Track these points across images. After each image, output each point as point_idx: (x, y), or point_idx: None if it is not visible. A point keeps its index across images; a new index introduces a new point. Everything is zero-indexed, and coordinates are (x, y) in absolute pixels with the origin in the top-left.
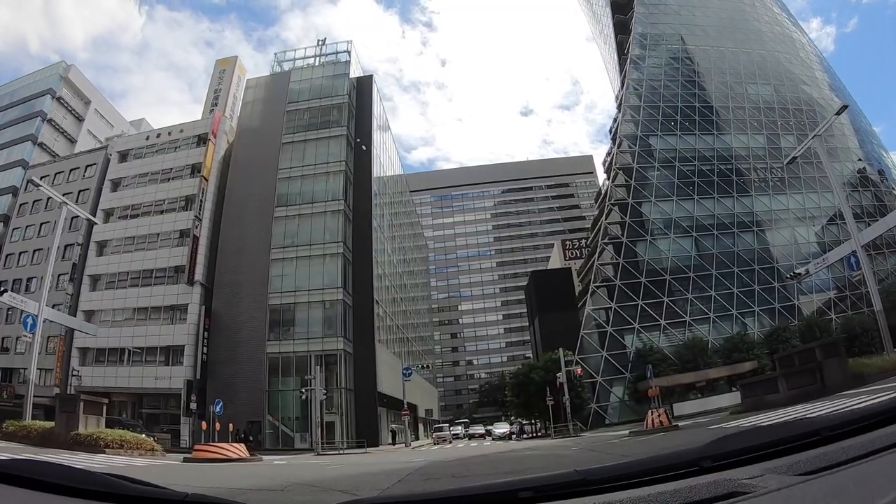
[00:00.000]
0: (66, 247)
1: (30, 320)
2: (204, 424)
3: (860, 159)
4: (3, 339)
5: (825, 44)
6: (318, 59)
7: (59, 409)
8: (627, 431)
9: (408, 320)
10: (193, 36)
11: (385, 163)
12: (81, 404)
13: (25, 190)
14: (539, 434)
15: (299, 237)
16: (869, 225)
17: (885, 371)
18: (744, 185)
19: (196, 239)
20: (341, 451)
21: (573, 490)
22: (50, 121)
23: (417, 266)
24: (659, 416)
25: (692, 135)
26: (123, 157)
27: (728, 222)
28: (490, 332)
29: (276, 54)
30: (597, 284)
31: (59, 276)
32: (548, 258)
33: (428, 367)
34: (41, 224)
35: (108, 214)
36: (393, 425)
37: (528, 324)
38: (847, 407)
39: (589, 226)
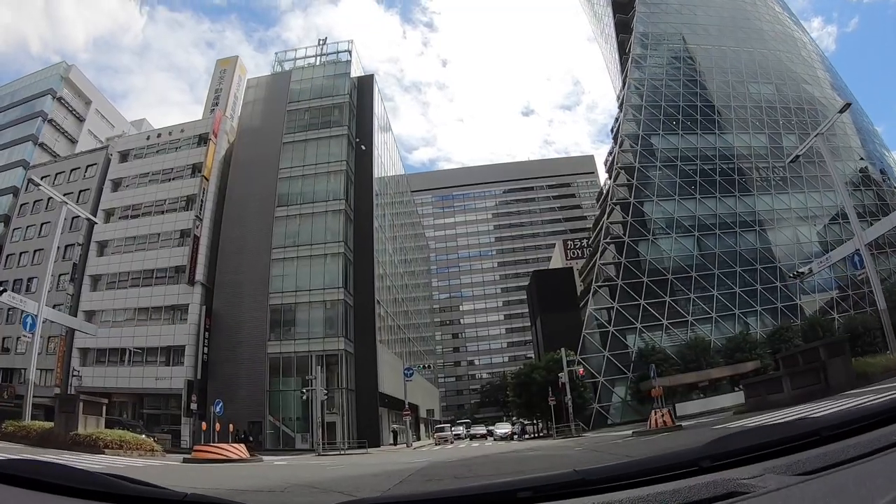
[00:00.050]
0: (66, 247)
1: (29, 320)
2: (204, 425)
3: (862, 158)
4: (3, 339)
5: (826, 43)
6: (318, 58)
7: (59, 409)
8: (631, 431)
9: (409, 320)
10: (194, 36)
11: (386, 163)
12: (81, 404)
13: (26, 190)
14: (541, 434)
15: (300, 237)
16: (871, 224)
17: (889, 370)
18: (746, 185)
19: (197, 239)
20: (342, 452)
21: (572, 490)
22: (51, 121)
23: (419, 266)
24: (662, 416)
25: (694, 134)
26: (124, 157)
27: (730, 221)
28: (491, 332)
29: (276, 54)
30: (599, 284)
31: (60, 276)
32: (549, 258)
33: (429, 367)
34: (42, 224)
35: (109, 214)
36: (394, 426)
37: (529, 324)
38: (846, 407)
39: (590, 226)
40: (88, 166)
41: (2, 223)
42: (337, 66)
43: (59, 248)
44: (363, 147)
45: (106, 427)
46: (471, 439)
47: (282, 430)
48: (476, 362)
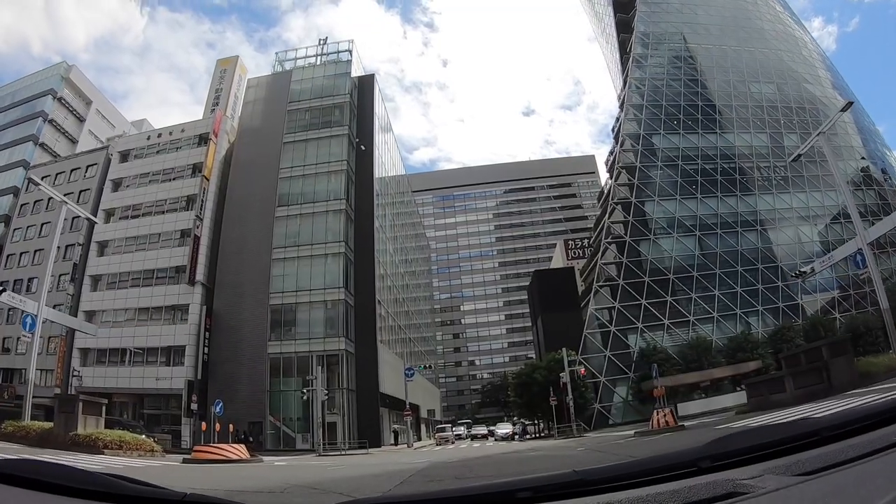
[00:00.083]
0: (66, 247)
1: (29, 320)
2: (204, 425)
3: (863, 158)
4: (3, 339)
5: (827, 43)
6: (319, 58)
7: (58, 409)
8: (633, 432)
9: (410, 320)
10: (195, 37)
11: (387, 162)
12: (80, 405)
13: (26, 190)
14: (542, 434)
15: (301, 237)
16: (873, 224)
17: (892, 370)
18: (747, 184)
19: (197, 239)
20: (343, 452)
21: (571, 490)
22: (51, 121)
23: (419, 266)
24: (665, 415)
25: (695, 133)
26: (124, 157)
27: (731, 221)
28: (492, 332)
29: (277, 54)
30: (600, 284)
31: (60, 276)
32: (550, 258)
33: (430, 367)
34: (42, 224)
35: (109, 214)
36: (395, 426)
37: (530, 324)
38: (846, 407)
39: (591, 226)
40: (89, 166)
41: (2, 223)
42: (337, 66)
43: (59, 248)
44: (363, 147)
45: (105, 427)
46: (472, 440)
47: (282, 431)
48: (477, 362)
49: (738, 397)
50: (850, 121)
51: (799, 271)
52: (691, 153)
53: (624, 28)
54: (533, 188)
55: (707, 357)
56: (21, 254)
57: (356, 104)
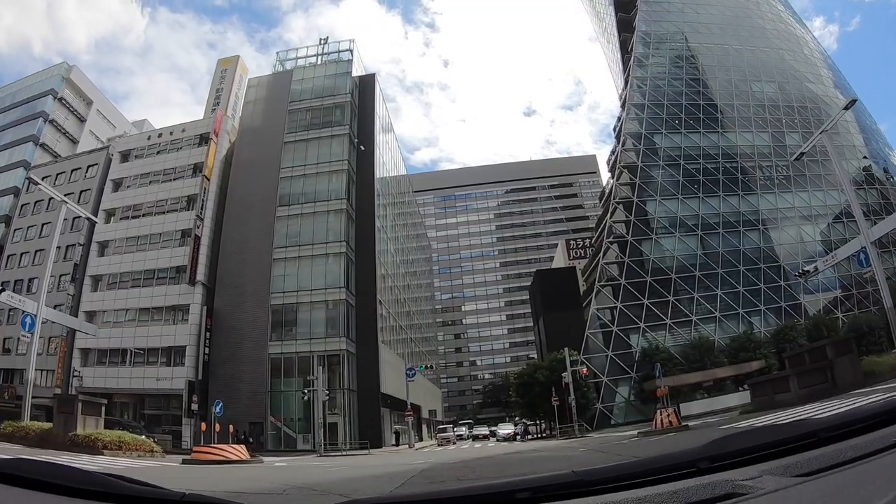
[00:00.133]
0: (67, 247)
1: (28, 320)
2: (203, 425)
3: (865, 157)
4: (4, 339)
5: (828, 42)
6: (320, 58)
7: (58, 409)
8: (636, 432)
9: (411, 321)
10: (196, 38)
11: (388, 162)
12: (80, 405)
13: (27, 190)
14: (544, 435)
15: (302, 237)
16: (875, 223)
17: None
18: (749, 183)
19: (198, 239)
20: (344, 453)
21: (570, 491)
22: (52, 121)
23: (421, 266)
24: (668, 416)
25: (697, 133)
26: (125, 157)
27: (733, 220)
28: (494, 332)
29: (277, 53)
30: (602, 283)
31: (61, 276)
32: (551, 258)
33: (431, 367)
34: (43, 224)
35: (110, 215)
36: (396, 426)
37: (531, 324)
38: (845, 408)
39: (592, 226)
40: (89, 166)
41: (3, 223)
42: (338, 66)
43: (59, 248)
44: (362, 148)
45: (105, 428)
46: (473, 440)
47: (283, 431)
48: (478, 363)
49: (741, 397)
50: (852, 120)
51: (802, 270)
52: (693, 152)
53: (625, 27)
54: (534, 188)
55: (709, 357)
56: (21, 254)
57: (357, 104)
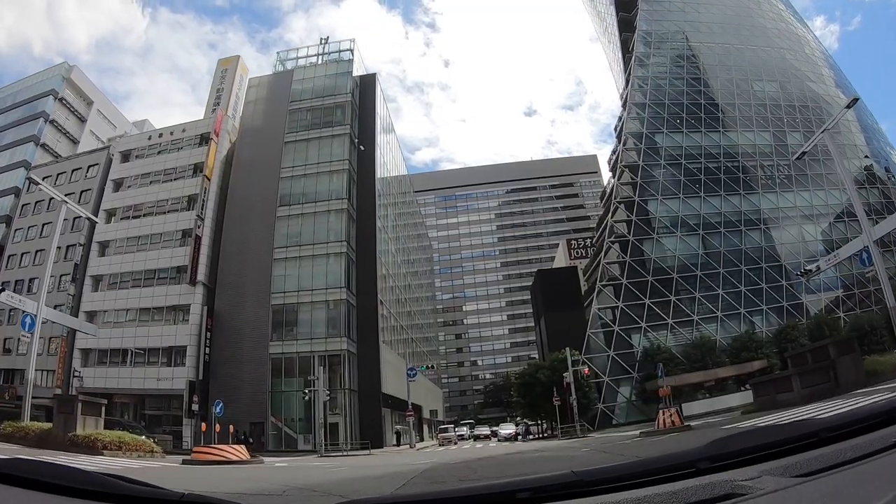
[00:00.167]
0: (68, 247)
1: (28, 320)
2: (204, 426)
3: (867, 156)
4: (4, 340)
5: (829, 42)
6: (320, 57)
7: (57, 410)
8: (638, 432)
9: (412, 321)
10: (197, 38)
11: (389, 162)
12: (79, 405)
13: (28, 191)
14: (545, 435)
15: (302, 236)
16: (876, 223)
17: None
18: (750, 183)
19: (198, 239)
20: (345, 453)
21: (570, 491)
22: (52, 122)
23: (422, 266)
24: (671, 415)
25: (698, 132)
26: (125, 157)
27: (735, 220)
28: (495, 332)
29: (278, 53)
30: (603, 283)
31: (61, 276)
32: (552, 258)
33: (432, 367)
34: (43, 225)
35: (111, 215)
36: (397, 426)
37: (533, 324)
38: (844, 409)
39: (593, 226)
40: (90, 166)
41: (3, 224)
42: (339, 65)
43: (60, 248)
44: (362, 147)
45: (105, 428)
46: (474, 440)
47: (284, 432)
48: (479, 363)
49: (743, 397)
50: (853, 119)
51: (804, 270)
52: (694, 152)
53: (626, 27)
54: (535, 188)
55: (711, 356)
56: (22, 254)
57: (358, 103)
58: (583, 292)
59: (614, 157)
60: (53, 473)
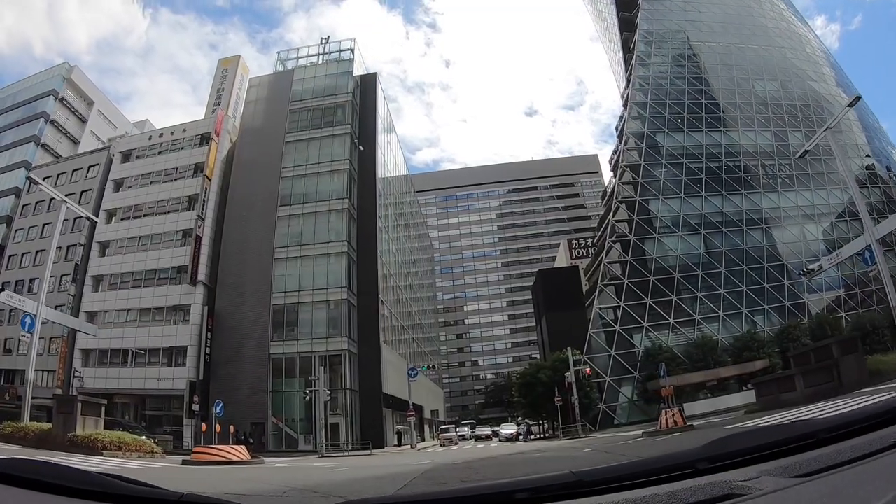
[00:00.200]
0: (68, 247)
1: (28, 320)
2: (204, 426)
3: (868, 155)
4: (5, 340)
5: (830, 41)
6: (321, 57)
7: (57, 410)
8: (641, 432)
9: (413, 321)
10: (197, 39)
11: (390, 162)
12: (79, 405)
13: (28, 191)
14: (547, 435)
15: (303, 236)
16: (878, 222)
17: None
18: (752, 182)
19: (199, 239)
20: (346, 454)
21: (569, 491)
22: (53, 122)
23: (423, 266)
24: (673, 415)
25: (699, 131)
26: (126, 157)
27: (736, 219)
28: (496, 332)
29: (278, 53)
30: (605, 283)
31: (62, 276)
32: (553, 258)
33: (434, 367)
34: (44, 225)
35: (111, 215)
36: (398, 426)
37: (534, 324)
38: (843, 409)
39: (594, 226)
40: (90, 167)
41: (4, 224)
42: (339, 65)
43: (60, 248)
44: (361, 148)
45: (105, 428)
46: (476, 440)
47: (285, 432)
48: (480, 363)
49: (745, 397)
50: (855, 118)
51: (806, 269)
52: (696, 151)
53: (627, 26)
54: (536, 188)
55: (713, 356)
56: (23, 254)
57: (358, 103)
58: (584, 292)
59: (615, 157)
60: (52, 473)
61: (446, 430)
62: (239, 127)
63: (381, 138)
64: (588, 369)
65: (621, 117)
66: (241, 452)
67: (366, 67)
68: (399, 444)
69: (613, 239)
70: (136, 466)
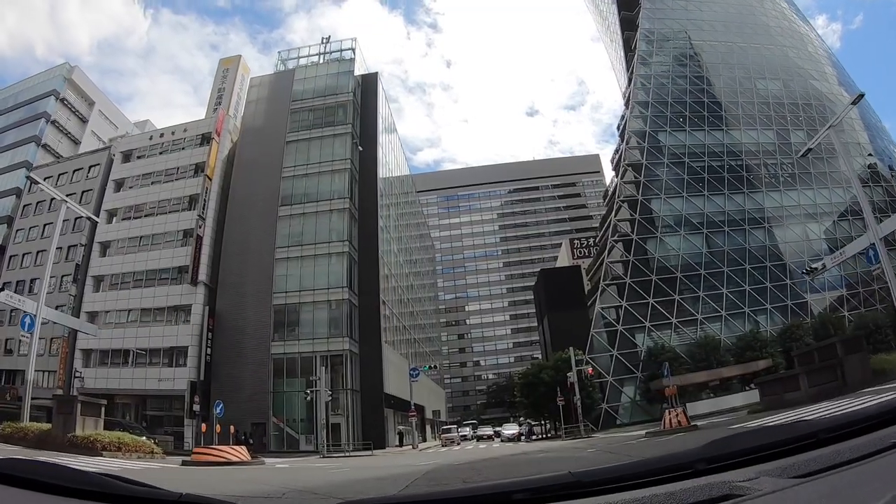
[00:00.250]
0: (69, 248)
1: (27, 320)
2: (204, 426)
3: (871, 154)
4: (6, 340)
5: (831, 41)
6: (322, 56)
7: (57, 410)
8: (644, 432)
9: (415, 321)
10: (198, 39)
11: (391, 162)
12: (79, 406)
13: (29, 191)
14: (549, 435)
15: (304, 236)
16: (881, 221)
17: None
18: (754, 181)
19: (200, 239)
20: (347, 454)
21: (567, 492)
22: (54, 122)
23: (424, 266)
24: (677, 415)
25: (701, 130)
26: (127, 157)
27: (739, 218)
28: (497, 332)
29: (279, 52)
30: (606, 282)
31: (63, 276)
32: (555, 258)
33: (435, 367)
34: (45, 225)
35: (112, 215)
36: (400, 427)
37: (535, 324)
38: (842, 410)
39: (596, 225)
40: (91, 167)
41: (5, 224)
42: (340, 64)
43: (61, 248)
44: (360, 148)
45: (105, 429)
46: (478, 441)
47: (286, 432)
48: (482, 363)
49: (747, 396)
50: (857, 117)
51: (810, 268)
52: (698, 150)
53: (628, 26)
54: (537, 188)
55: (715, 356)
56: (24, 255)
57: (359, 102)
58: (586, 291)
59: (617, 156)
60: (51, 473)
61: (448, 431)
62: (240, 127)
63: (383, 138)
64: (590, 369)
65: (623, 116)
66: (241, 453)
67: (367, 67)
68: (401, 445)
69: (615, 238)
70: (135, 467)
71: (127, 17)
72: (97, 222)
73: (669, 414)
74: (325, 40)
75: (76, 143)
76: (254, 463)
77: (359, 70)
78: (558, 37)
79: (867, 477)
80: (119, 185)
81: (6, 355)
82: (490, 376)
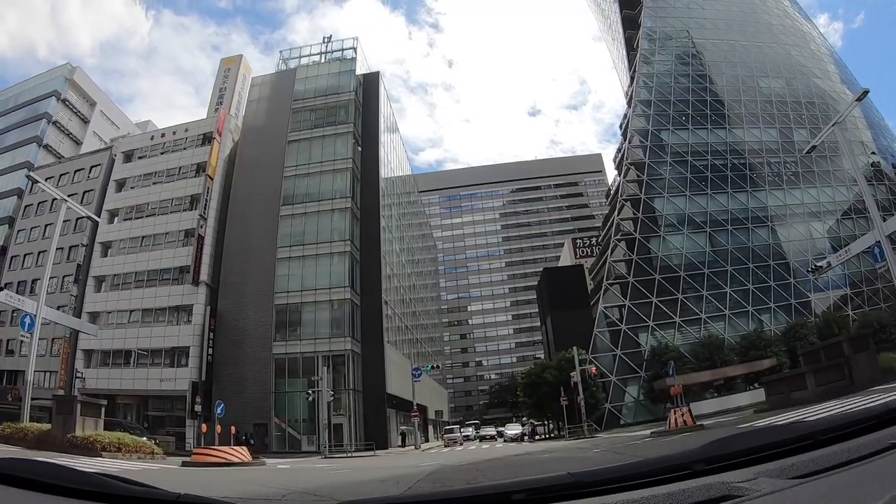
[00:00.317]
0: (70, 248)
1: (27, 320)
2: (204, 427)
3: (874, 152)
4: (8, 341)
5: (833, 39)
6: (323, 56)
7: (57, 410)
8: (649, 432)
9: (417, 321)
10: (200, 40)
11: (393, 161)
12: (79, 406)
13: (30, 192)
14: (552, 435)
15: (306, 236)
16: (885, 220)
17: None
18: (757, 180)
19: (201, 239)
20: (349, 454)
21: (566, 493)
22: (55, 123)
23: (426, 266)
24: (682, 415)
25: (704, 129)
26: (128, 157)
27: (742, 217)
28: (500, 332)
29: (281, 52)
30: (610, 281)
31: (64, 277)
32: (557, 257)
33: (438, 367)
34: (46, 225)
35: (113, 215)
36: (402, 427)
37: (538, 324)
38: (841, 411)
39: (598, 225)
40: (92, 167)
41: (6, 225)
42: (342, 64)
43: (63, 249)
44: (359, 148)
45: (105, 429)
46: (480, 441)
47: (288, 432)
48: (485, 363)
49: (752, 396)
50: (860, 115)
51: (814, 266)
52: (701, 148)
53: (630, 24)
54: (539, 188)
55: (719, 355)
56: (25, 255)
57: (361, 102)
58: (589, 291)
59: (620, 155)
60: (50, 473)
61: (451, 431)
62: (241, 126)
63: (385, 137)
64: (594, 369)
65: (625, 115)
66: (241, 454)
67: (368, 67)
68: (403, 445)
69: (618, 237)
70: (135, 468)
71: (128, 18)
72: (98, 222)
73: (675, 414)
74: (326, 40)
75: (78, 143)
76: (254, 463)
77: (360, 69)
78: (560, 36)
79: (866, 477)
80: (120, 185)
81: (8, 356)
82: (492, 376)
